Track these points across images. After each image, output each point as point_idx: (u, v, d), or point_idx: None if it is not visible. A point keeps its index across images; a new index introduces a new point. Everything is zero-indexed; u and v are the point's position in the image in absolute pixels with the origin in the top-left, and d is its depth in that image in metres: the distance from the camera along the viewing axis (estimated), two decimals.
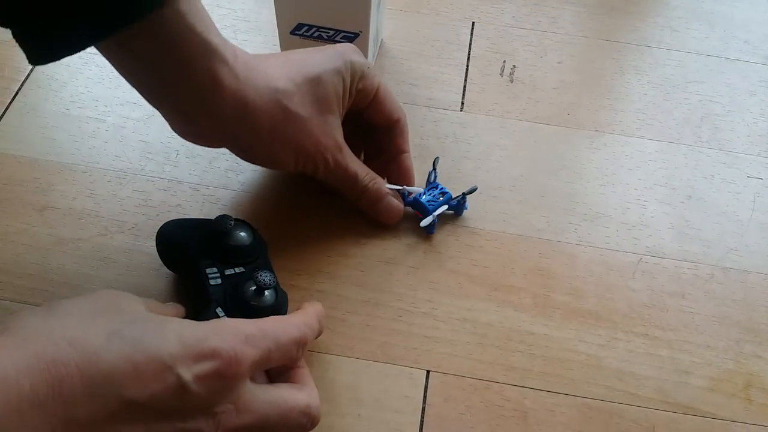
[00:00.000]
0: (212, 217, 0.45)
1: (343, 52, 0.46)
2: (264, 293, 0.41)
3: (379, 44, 0.62)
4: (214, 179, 0.53)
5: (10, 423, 0.28)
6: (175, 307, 0.42)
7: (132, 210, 0.51)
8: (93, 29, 0.36)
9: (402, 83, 0.60)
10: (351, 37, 0.54)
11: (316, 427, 0.41)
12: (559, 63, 0.62)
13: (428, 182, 0.53)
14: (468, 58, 0.62)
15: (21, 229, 0.50)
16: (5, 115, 0.56)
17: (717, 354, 0.47)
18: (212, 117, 0.43)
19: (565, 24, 0.65)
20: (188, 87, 0.41)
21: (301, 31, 0.55)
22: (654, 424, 0.44)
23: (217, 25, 0.42)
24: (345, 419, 0.43)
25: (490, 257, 0.50)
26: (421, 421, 0.44)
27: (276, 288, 0.42)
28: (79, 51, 0.36)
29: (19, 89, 0.57)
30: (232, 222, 0.44)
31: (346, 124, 0.48)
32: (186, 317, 0.42)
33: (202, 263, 0.43)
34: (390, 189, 0.50)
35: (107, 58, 0.41)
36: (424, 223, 0.50)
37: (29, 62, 0.38)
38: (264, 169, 0.53)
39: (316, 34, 0.55)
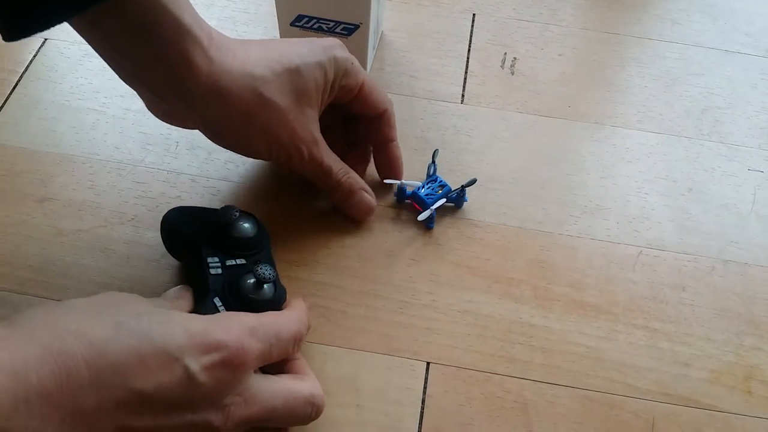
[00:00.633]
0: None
1: (328, 46, 0.46)
2: (263, 287, 0.41)
3: (379, 36, 0.61)
4: (213, 171, 0.53)
5: (19, 414, 0.28)
6: (183, 289, 0.42)
7: (132, 201, 0.51)
8: (63, 5, 0.35)
9: (402, 75, 0.60)
10: (351, 29, 0.54)
11: (318, 420, 0.41)
12: (560, 55, 0.62)
13: (428, 175, 0.53)
14: (469, 50, 0.62)
15: (21, 221, 0.50)
16: (5, 106, 0.56)
17: (717, 346, 0.47)
18: (185, 99, 0.42)
19: (566, 16, 0.65)
20: (161, 67, 0.41)
21: (301, 23, 0.55)
22: (653, 416, 0.44)
23: (217, 17, 0.42)
24: (345, 410, 0.43)
25: (490, 249, 0.50)
26: (421, 413, 0.44)
27: (275, 282, 0.42)
28: (50, 27, 0.35)
29: (19, 81, 0.57)
30: (237, 213, 0.44)
31: (327, 111, 0.48)
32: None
33: (203, 252, 0.43)
34: (363, 187, 0.50)
35: (83, 37, 0.41)
36: (422, 217, 0.50)
37: (3, 39, 0.37)
38: (264, 161, 0.53)
39: (316, 26, 0.55)
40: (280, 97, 0.44)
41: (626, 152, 0.56)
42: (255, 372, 0.37)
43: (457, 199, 0.52)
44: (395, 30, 0.63)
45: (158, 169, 0.53)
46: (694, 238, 0.52)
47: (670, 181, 0.55)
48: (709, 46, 0.64)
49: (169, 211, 0.46)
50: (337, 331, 0.46)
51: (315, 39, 0.47)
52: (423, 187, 0.51)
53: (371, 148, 0.53)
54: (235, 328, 0.35)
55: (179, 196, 0.51)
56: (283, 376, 0.39)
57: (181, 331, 0.34)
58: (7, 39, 0.37)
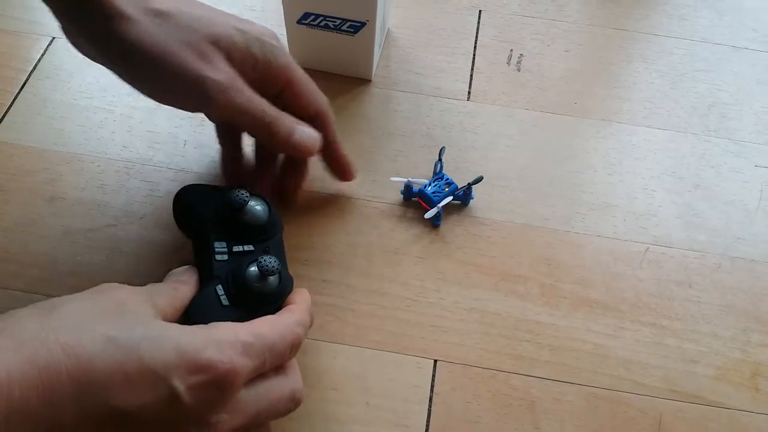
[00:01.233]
0: None
1: (257, 27, 0.45)
2: (267, 278, 0.40)
3: (385, 33, 0.61)
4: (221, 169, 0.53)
5: None
6: (188, 272, 0.41)
7: (140, 200, 0.51)
8: None
9: (409, 72, 0.60)
10: (358, 26, 0.54)
11: (326, 417, 0.41)
12: (566, 52, 0.62)
13: (434, 173, 0.53)
14: (475, 47, 0.62)
15: (30, 220, 0.50)
16: (13, 105, 0.56)
17: (724, 343, 0.47)
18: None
19: (573, 12, 0.65)
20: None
21: (307, 20, 0.55)
22: (661, 413, 0.45)
23: None
24: (353, 408, 0.44)
25: (497, 247, 0.50)
26: (429, 410, 0.44)
27: (281, 273, 0.41)
28: None
29: (27, 80, 0.57)
30: (248, 197, 0.42)
31: None
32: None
33: (212, 235, 0.41)
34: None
35: None
36: (429, 215, 0.50)
37: None
38: None
39: (322, 23, 0.55)
40: (180, 20, 0.41)
41: (633, 149, 0.56)
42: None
43: (463, 197, 0.52)
44: (401, 27, 0.63)
45: (166, 167, 0.53)
46: (701, 234, 0.52)
47: (676, 178, 0.55)
48: (716, 42, 0.64)
49: (183, 187, 0.45)
50: (345, 328, 0.46)
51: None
52: (430, 185, 0.51)
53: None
54: (227, 347, 0.34)
55: None
56: (267, 373, 0.38)
57: (172, 348, 0.33)
58: None
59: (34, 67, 0.58)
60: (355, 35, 0.55)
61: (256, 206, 0.42)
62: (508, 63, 0.61)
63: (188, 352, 0.33)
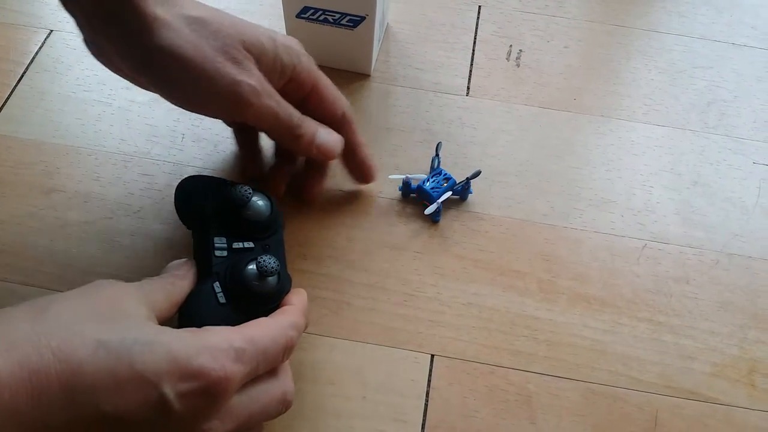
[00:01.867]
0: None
1: (282, 36, 0.45)
2: (265, 279, 0.39)
3: (384, 28, 0.61)
4: (219, 163, 0.53)
5: None
6: (185, 266, 0.41)
7: (138, 193, 0.51)
8: None
9: (408, 67, 0.60)
10: (357, 21, 0.54)
11: (323, 411, 0.41)
12: (565, 48, 0.62)
13: (432, 168, 0.53)
14: (474, 43, 0.62)
15: (27, 212, 0.50)
16: (11, 98, 0.56)
17: (721, 340, 0.47)
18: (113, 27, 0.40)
19: (572, 8, 0.65)
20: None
21: (306, 15, 0.55)
22: (657, 409, 0.45)
23: (222, 8, 0.42)
24: (350, 402, 0.44)
25: (495, 242, 0.50)
26: (426, 405, 0.44)
27: (279, 274, 0.40)
28: None
29: (25, 72, 0.57)
30: (251, 193, 0.42)
31: None
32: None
33: (211, 230, 0.41)
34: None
35: None
36: (429, 210, 0.50)
37: None
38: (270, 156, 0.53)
39: (321, 18, 0.55)
40: (216, 27, 0.41)
41: (631, 145, 0.56)
42: None
43: (462, 192, 0.52)
44: (401, 22, 0.63)
45: (164, 161, 0.53)
46: (699, 231, 0.52)
47: (675, 174, 0.55)
48: (716, 38, 0.64)
49: (185, 178, 0.45)
50: (343, 323, 0.46)
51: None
52: (428, 180, 0.51)
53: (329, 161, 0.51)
54: (220, 353, 0.34)
55: None
56: (258, 377, 0.38)
57: (163, 354, 0.32)
58: None
59: (32, 60, 0.58)
60: (355, 30, 0.55)
61: (259, 202, 0.42)
62: (508, 59, 0.61)
63: (180, 358, 0.33)
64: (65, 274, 0.47)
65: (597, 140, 0.56)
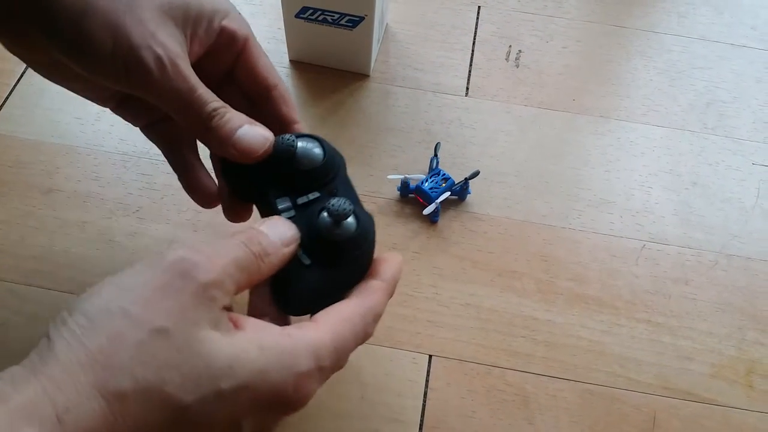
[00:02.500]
0: None
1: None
2: (341, 224, 0.35)
3: (384, 28, 0.61)
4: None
5: None
6: (292, 238, 0.34)
7: (136, 193, 0.51)
8: None
9: (407, 68, 0.60)
10: (356, 21, 0.54)
11: (321, 410, 0.41)
12: (564, 48, 0.62)
13: (430, 168, 0.53)
14: (473, 43, 0.62)
15: (26, 212, 0.50)
16: (10, 97, 0.56)
17: (719, 341, 0.47)
18: None
19: (571, 9, 0.65)
20: None
21: (305, 14, 0.55)
22: (655, 409, 0.45)
23: None
24: (348, 402, 0.44)
25: (493, 243, 0.50)
26: (423, 405, 0.44)
27: (356, 214, 0.35)
28: None
29: (24, 71, 0.57)
30: (294, 141, 0.36)
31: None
32: None
33: (270, 194, 0.36)
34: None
35: None
36: (428, 211, 0.50)
37: None
38: None
39: (320, 18, 0.55)
40: None
41: (630, 146, 0.56)
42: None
43: (460, 192, 0.52)
44: (400, 22, 0.63)
45: (163, 161, 0.52)
46: (698, 232, 0.52)
47: (674, 175, 0.55)
48: (715, 39, 0.64)
49: None
50: None
51: None
52: (426, 180, 0.51)
53: None
54: (305, 381, 0.30)
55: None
56: None
57: (246, 397, 0.29)
58: None
59: None
60: (354, 30, 0.55)
61: (307, 148, 0.37)
62: (507, 59, 0.61)
63: (261, 395, 0.29)
64: (64, 274, 0.47)
65: (596, 141, 0.56)
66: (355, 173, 0.38)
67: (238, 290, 0.31)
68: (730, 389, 0.46)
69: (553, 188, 0.53)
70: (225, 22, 0.37)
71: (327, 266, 0.35)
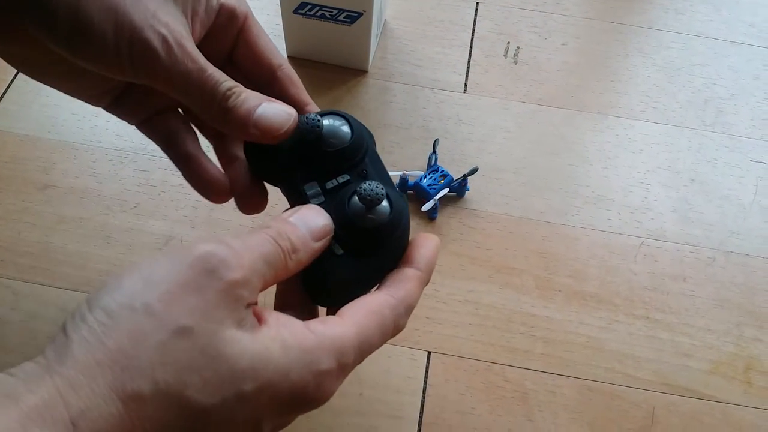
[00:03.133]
0: None
1: None
2: (374, 208, 0.32)
3: (382, 24, 0.61)
4: (215, 157, 0.53)
5: None
6: (324, 227, 0.32)
7: (134, 189, 0.51)
8: None
9: (405, 64, 0.60)
10: (354, 17, 0.54)
11: (320, 408, 0.41)
12: (563, 45, 0.62)
13: (429, 165, 0.53)
14: (472, 39, 0.62)
15: (23, 208, 0.50)
16: (7, 93, 0.55)
17: (717, 337, 0.47)
18: None
19: (570, 5, 0.65)
20: None
21: (304, 10, 0.55)
22: (653, 406, 0.45)
23: None
24: (347, 399, 0.44)
25: (492, 239, 0.50)
26: (422, 402, 0.44)
27: (389, 196, 0.33)
28: None
29: None
30: (319, 121, 0.33)
31: None
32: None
33: (298, 179, 0.34)
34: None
35: None
36: (426, 207, 0.50)
37: None
38: None
39: (319, 13, 0.54)
40: None
41: (629, 143, 0.56)
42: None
43: (459, 189, 0.52)
44: (398, 18, 0.63)
45: (160, 157, 0.53)
46: (696, 229, 0.52)
47: (672, 172, 0.55)
48: (713, 36, 0.64)
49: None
50: None
51: None
52: (425, 177, 0.51)
53: None
54: (327, 379, 0.30)
55: (181, 184, 0.51)
56: None
57: (267, 396, 0.28)
58: None
59: None
60: (352, 26, 0.55)
61: (334, 126, 0.34)
62: (505, 55, 0.61)
63: (282, 390, 0.28)
64: (61, 270, 0.47)
65: (594, 137, 0.56)
66: None
67: (265, 287, 0.30)
68: (729, 386, 0.46)
69: (552, 185, 0.53)
70: (222, 4, 0.35)
71: (361, 255, 0.33)
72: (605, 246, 0.51)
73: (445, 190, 0.51)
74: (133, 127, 0.43)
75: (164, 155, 0.52)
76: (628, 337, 0.47)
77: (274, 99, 0.34)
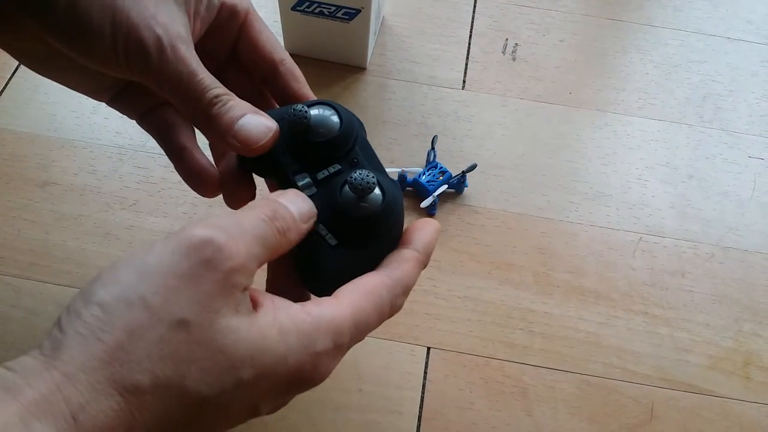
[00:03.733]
0: None
1: None
2: (366, 197, 0.32)
3: (380, 21, 0.61)
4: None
5: None
6: (308, 213, 0.32)
7: (133, 186, 0.51)
8: None
9: (404, 61, 0.60)
10: (352, 13, 0.54)
11: (320, 403, 0.41)
12: (561, 41, 0.62)
13: (427, 161, 0.53)
14: (470, 36, 0.62)
15: (23, 205, 0.50)
16: (5, 90, 0.55)
17: (716, 332, 0.48)
18: None
19: (568, 2, 0.65)
20: None
21: (302, 7, 0.55)
22: (653, 401, 0.45)
23: None
24: (347, 394, 0.44)
25: (491, 235, 0.51)
26: (422, 397, 0.44)
27: (380, 184, 0.33)
28: None
29: (19, 65, 0.57)
30: (306, 111, 0.33)
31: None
32: None
33: (288, 171, 0.34)
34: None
35: None
36: (425, 204, 0.50)
37: None
38: None
39: (317, 10, 0.54)
40: None
41: (627, 139, 0.56)
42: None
43: (457, 185, 0.52)
44: (396, 15, 0.63)
45: (159, 154, 0.53)
46: (694, 224, 0.52)
47: (670, 168, 0.55)
48: (711, 33, 0.64)
49: None
50: None
51: None
52: (424, 173, 0.51)
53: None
54: (324, 359, 0.30)
55: (180, 182, 0.51)
56: None
57: (266, 383, 0.28)
58: None
59: None
60: (350, 22, 0.55)
61: (322, 116, 0.34)
62: (504, 52, 0.61)
63: (280, 374, 0.29)
64: (60, 267, 0.47)
65: (592, 134, 0.56)
66: None
67: (259, 267, 0.30)
68: (728, 380, 0.46)
69: (550, 181, 0.54)
70: (218, 12, 0.35)
71: (355, 245, 0.33)
72: (604, 242, 0.51)
73: (444, 187, 0.51)
74: (132, 124, 0.43)
75: (162, 152, 0.52)
76: (627, 332, 0.47)
77: (260, 111, 0.33)
